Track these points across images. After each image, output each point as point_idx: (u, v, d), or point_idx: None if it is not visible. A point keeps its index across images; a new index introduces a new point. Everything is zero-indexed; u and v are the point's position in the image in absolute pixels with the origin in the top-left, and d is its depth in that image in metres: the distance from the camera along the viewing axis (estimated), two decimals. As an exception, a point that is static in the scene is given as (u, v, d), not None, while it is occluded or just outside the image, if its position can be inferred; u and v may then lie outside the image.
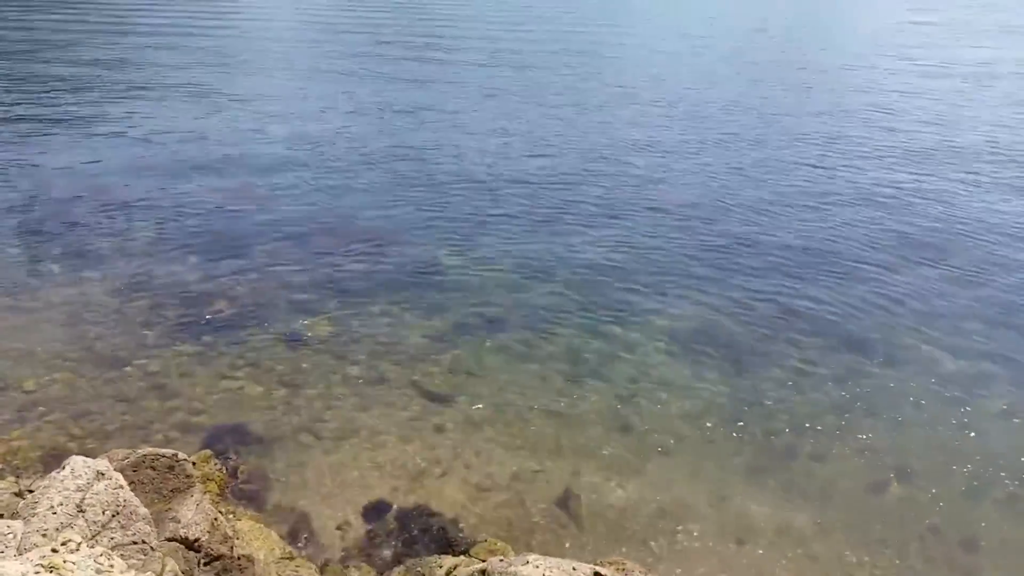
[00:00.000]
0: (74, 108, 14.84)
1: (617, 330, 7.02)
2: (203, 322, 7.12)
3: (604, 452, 5.46)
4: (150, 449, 4.16)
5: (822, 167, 12.23)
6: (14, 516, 3.40)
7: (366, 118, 14.31)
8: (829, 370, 6.49)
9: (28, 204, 9.94)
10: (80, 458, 4.15)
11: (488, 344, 6.74)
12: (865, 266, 8.58)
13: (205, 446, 5.48)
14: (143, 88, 16.57)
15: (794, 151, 13.01)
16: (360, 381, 6.25)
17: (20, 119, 14.05)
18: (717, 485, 5.17)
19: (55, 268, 8.12)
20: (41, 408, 5.87)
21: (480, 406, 5.92)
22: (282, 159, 11.88)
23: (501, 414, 5.82)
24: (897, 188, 11.34)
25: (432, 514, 4.83)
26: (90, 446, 5.50)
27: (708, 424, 5.78)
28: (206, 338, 6.83)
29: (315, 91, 16.57)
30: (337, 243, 8.89)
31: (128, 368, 6.37)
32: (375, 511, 4.86)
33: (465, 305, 7.43)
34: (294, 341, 6.83)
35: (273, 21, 29.30)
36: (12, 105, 15.00)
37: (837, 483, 5.25)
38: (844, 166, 12.34)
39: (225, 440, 5.57)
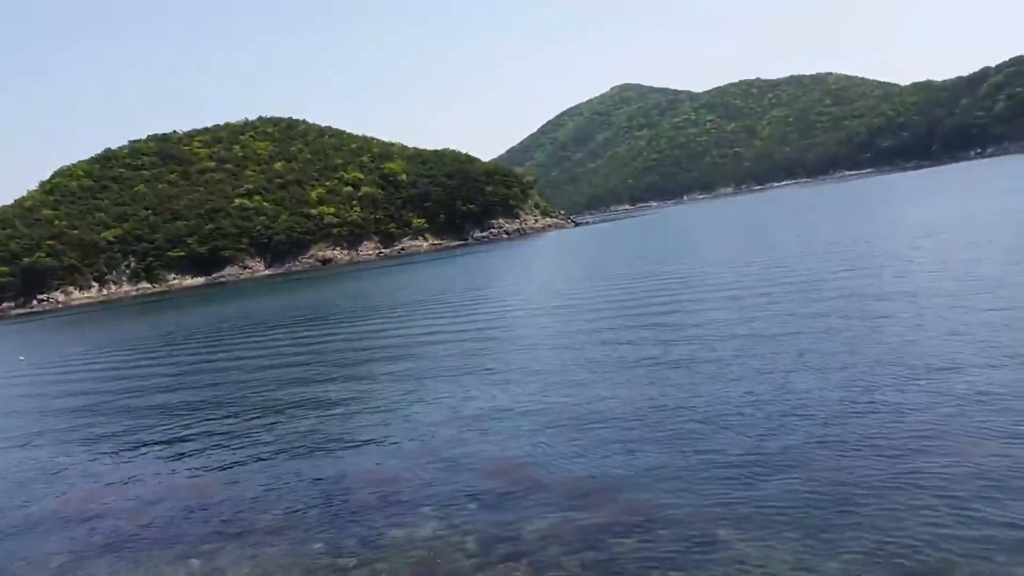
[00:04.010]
0: (354, 396, 16.79)
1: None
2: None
3: None
4: None
5: None
6: None
7: (619, 381, 14.58)
8: None
9: (322, 494, 11.04)
10: None
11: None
12: None
13: None
14: (418, 377, 18.44)
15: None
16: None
17: (308, 408, 16.15)
18: None
19: (351, 562, 8.74)
20: None
21: None
22: (545, 430, 12.28)
23: None
24: None
25: None
26: None
27: None
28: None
29: (572, 361, 17.36)
30: (603, 516, 8.77)
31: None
32: None
33: (749, 585, 6.81)
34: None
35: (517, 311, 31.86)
36: (304, 396, 17.38)
37: None
38: None
39: None
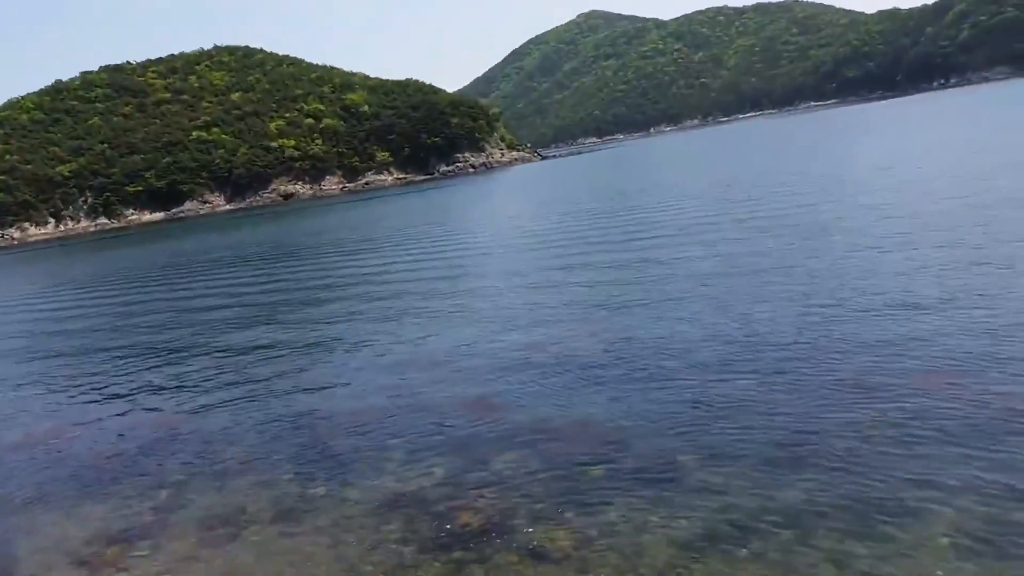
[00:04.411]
0: (319, 334, 16.76)
1: (890, 529, 6.21)
2: (452, 536, 7.30)
3: None
4: None
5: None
6: None
7: (586, 318, 14.71)
8: None
9: (290, 428, 11.09)
10: None
11: (742, 552, 6.21)
12: None
13: (459, 673, 5.41)
14: (384, 314, 18.41)
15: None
16: (608, 597, 5.97)
17: (272, 346, 16.11)
18: None
19: (320, 491, 8.83)
20: (310, 635, 6.16)
21: (742, 625, 5.38)
22: (512, 366, 12.36)
23: (767, 634, 5.24)
24: None
25: None
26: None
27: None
28: (456, 553, 6.96)
29: (538, 298, 17.43)
30: (570, 448, 8.90)
31: (385, 589, 6.60)
32: None
33: (710, 508, 6.99)
34: (536, 555, 6.75)
35: (486, 245, 31.83)
36: (268, 333, 17.32)
37: None
38: None
39: (478, 666, 5.47)
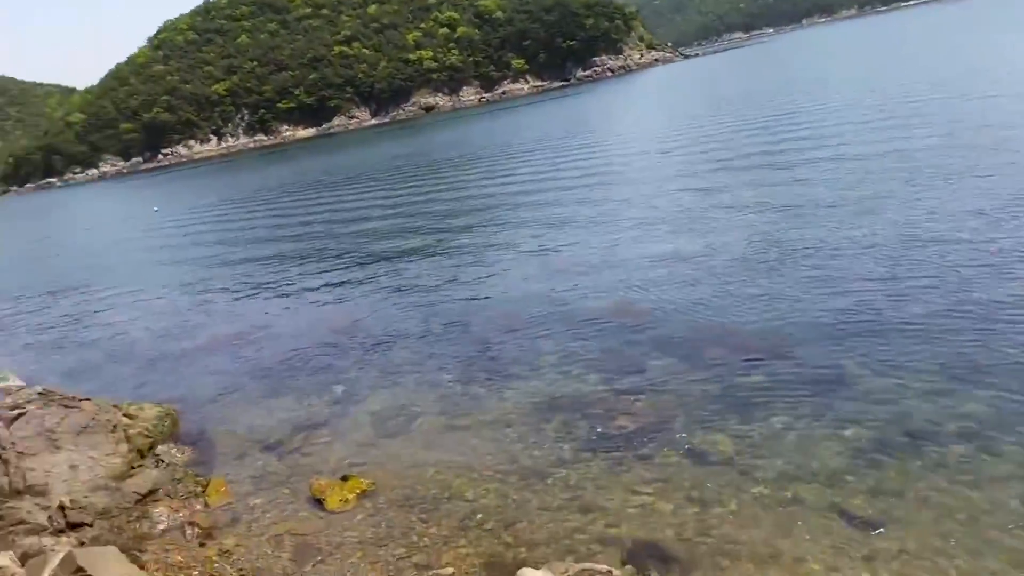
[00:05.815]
0: (472, 242, 17.15)
1: (1086, 444, 5.82)
2: (609, 437, 7.49)
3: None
4: (588, 564, 4.44)
5: None
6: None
7: (740, 224, 14.22)
8: None
9: (451, 330, 11.59)
10: (529, 570, 4.57)
11: (917, 463, 6.01)
12: None
13: (625, 561, 5.64)
14: (532, 221, 18.56)
15: None
16: (772, 502, 5.98)
17: (428, 254, 16.69)
18: None
19: (481, 390, 9.25)
20: (480, 516, 6.60)
21: (916, 536, 5.26)
22: (659, 272, 12.25)
23: (945, 546, 5.09)
24: None
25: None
26: (522, 555, 5.99)
27: None
28: (615, 453, 7.15)
29: (682, 200, 17.02)
30: (727, 354, 8.80)
31: (549, 480, 6.92)
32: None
33: (882, 417, 6.77)
34: (697, 457, 6.83)
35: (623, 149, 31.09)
36: (424, 242, 17.92)
37: None
38: None
39: (643, 556, 5.68)
